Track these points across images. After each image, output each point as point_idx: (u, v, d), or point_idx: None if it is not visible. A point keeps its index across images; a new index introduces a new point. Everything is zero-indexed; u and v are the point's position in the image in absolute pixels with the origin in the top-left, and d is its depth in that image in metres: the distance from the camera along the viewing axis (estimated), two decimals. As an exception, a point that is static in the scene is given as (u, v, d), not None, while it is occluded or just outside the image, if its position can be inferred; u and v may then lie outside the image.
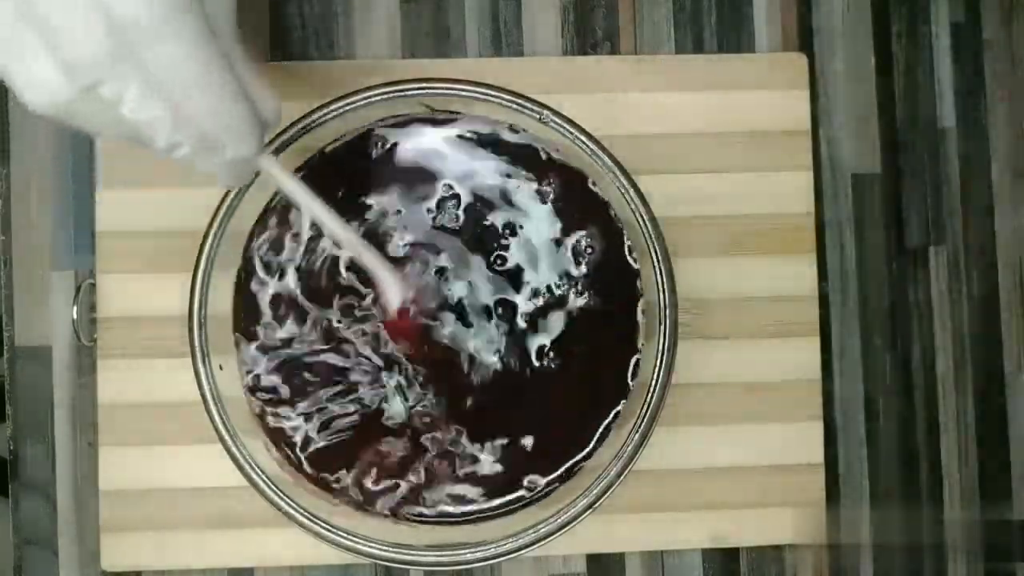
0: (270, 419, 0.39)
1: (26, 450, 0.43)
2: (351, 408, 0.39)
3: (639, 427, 0.37)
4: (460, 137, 0.39)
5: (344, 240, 0.34)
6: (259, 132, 0.29)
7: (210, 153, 0.27)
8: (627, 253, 0.39)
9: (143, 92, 0.24)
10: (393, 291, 0.36)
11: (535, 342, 0.39)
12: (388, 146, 0.39)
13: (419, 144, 0.39)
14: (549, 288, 0.39)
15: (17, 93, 0.24)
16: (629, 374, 0.39)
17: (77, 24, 0.22)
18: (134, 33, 0.23)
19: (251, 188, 0.37)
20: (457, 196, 0.39)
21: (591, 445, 0.39)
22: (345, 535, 0.36)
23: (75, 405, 0.43)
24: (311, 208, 0.33)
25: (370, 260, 0.35)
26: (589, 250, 0.39)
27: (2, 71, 0.24)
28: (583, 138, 0.37)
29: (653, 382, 0.37)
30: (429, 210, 0.39)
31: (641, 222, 0.37)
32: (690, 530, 0.43)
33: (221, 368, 0.37)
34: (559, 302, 0.39)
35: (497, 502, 0.39)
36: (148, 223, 0.42)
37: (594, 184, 0.39)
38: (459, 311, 0.38)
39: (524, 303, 0.39)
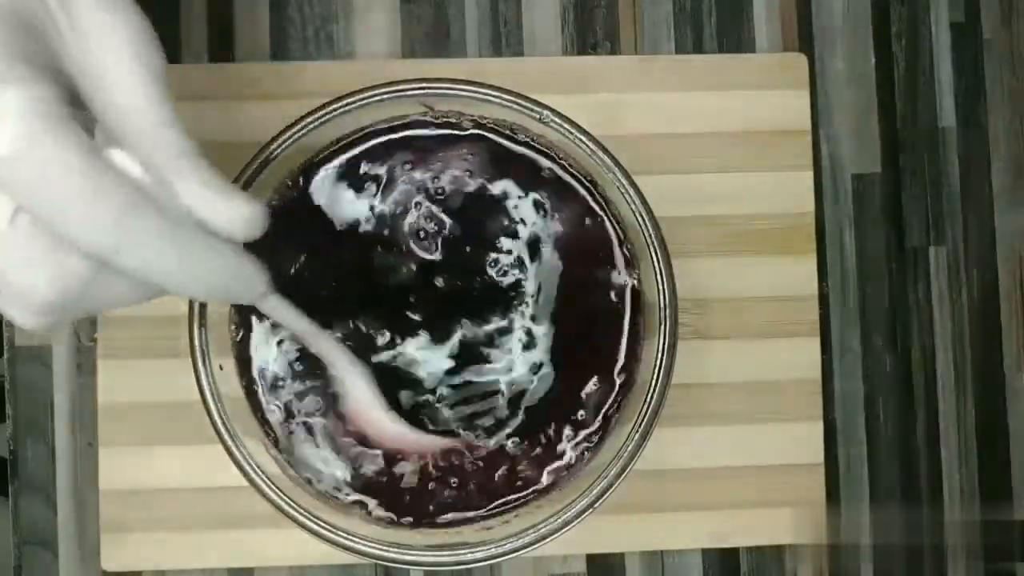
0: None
1: (26, 450, 0.43)
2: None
3: (639, 427, 0.37)
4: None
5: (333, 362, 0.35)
6: (260, 276, 0.28)
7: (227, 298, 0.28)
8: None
9: (131, 289, 0.25)
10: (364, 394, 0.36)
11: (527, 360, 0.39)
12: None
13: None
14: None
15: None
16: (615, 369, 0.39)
17: (32, 282, 0.23)
18: (101, 254, 0.23)
19: (250, 189, 0.37)
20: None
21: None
22: (345, 535, 0.36)
23: (75, 405, 0.43)
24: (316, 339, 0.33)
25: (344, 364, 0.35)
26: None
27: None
28: (583, 138, 0.37)
29: (653, 382, 0.37)
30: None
31: (641, 222, 0.37)
32: (690, 530, 0.43)
33: (221, 368, 0.37)
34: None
35: (498, 503, 0.39)
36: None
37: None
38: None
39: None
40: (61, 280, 0.23)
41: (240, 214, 0.25)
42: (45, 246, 0.22)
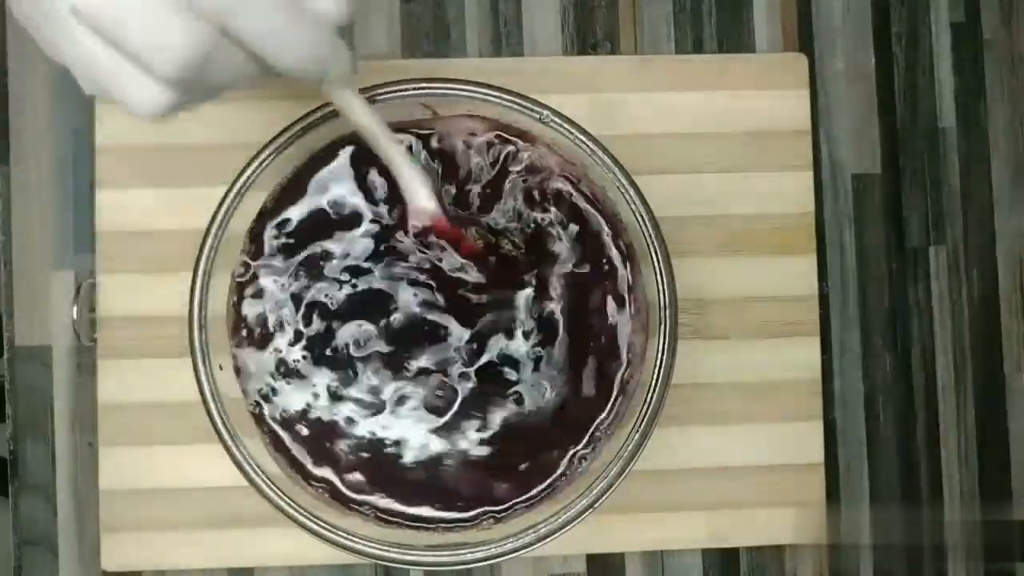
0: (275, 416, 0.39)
1: (26, 450, 0.43)
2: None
3: (639, 427, 0.37)
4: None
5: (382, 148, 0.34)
6: (351, 58, 0.30)
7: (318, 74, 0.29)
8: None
9: (243, 64, 0.26)
10: (423, 193, 0.35)
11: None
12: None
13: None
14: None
15: (131, 110, 0.26)
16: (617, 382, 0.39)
17: (160, 43, 0.24)
18: (220, 13, 0.24)
19: (250, 188, 0.37)
20: None
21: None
22: (345, 535, 0.36)
23: (75, 405, 0.43)
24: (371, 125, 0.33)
25: (404, 167, 0.35)
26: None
27: (116, 96, 0.26)
28: (583, 138, 0.37)
29: (653, 382, 0.37)
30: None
31: (641, 222, 0.37)
32: (690, 530, 0.43)
33: (221, 368, 0.37)
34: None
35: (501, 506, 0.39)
36: (148, 223, 0.42)
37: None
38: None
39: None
40: (192, 41, 0.24)
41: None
42: (177, 10, 0.24)
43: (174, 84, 0.25)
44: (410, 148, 0.38)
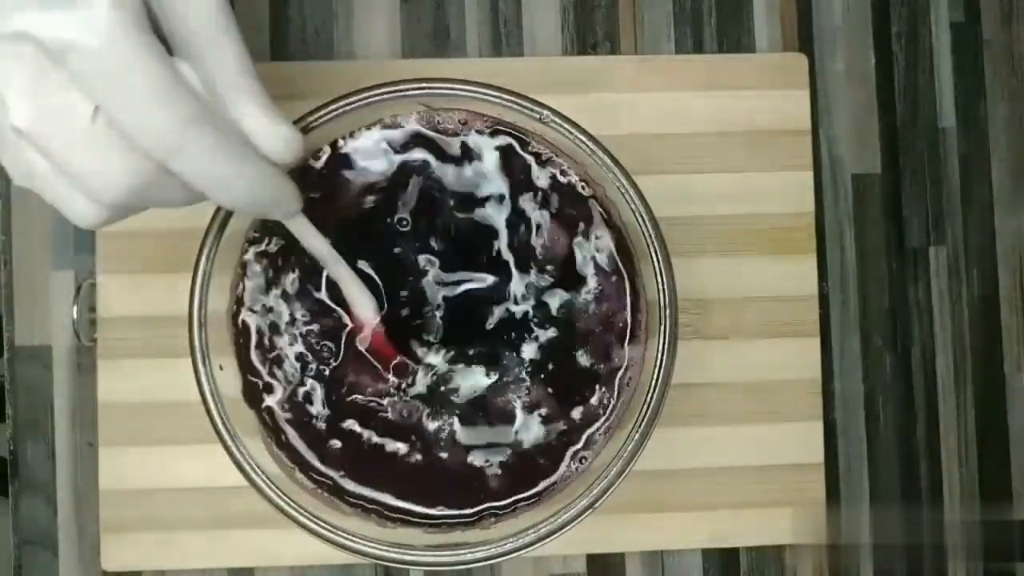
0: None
1: (26, 450, 0.43)
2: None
3: (639, 427, 0.37)
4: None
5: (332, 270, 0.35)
6: (296, 195, 0.31)
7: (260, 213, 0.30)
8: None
9: (182, 193, 0.27)
10: (366, 310, 0.37)
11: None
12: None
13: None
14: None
15: (68, 218, 0.27)
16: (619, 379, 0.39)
17: (104, 175, 0.25)
18: (161, 156, 0.25)
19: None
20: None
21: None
22: (345, 535, 0.36)
23: (75, 405, 0.43)
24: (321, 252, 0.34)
25: (352, 285, 0.36)
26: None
27: (51, 203, 0.26)
28: (583, 138, 0.37)
29: (653, 382, 0.37)
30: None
31: (641, 222, 0.37)
32: (690, 530, 0.43)
33: (221, 368, 0.37)
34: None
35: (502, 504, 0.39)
36: (148, 223, 0.42)
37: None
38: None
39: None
40: (132, 175, 0.25)
41: (285, 137, 0.27)
42: (120, 145, 0.24)
43: (112, 208, 0.26)
44: (354, 268, 0.38)
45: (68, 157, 0.24)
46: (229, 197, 0.27)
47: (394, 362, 0.38)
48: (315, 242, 0.34)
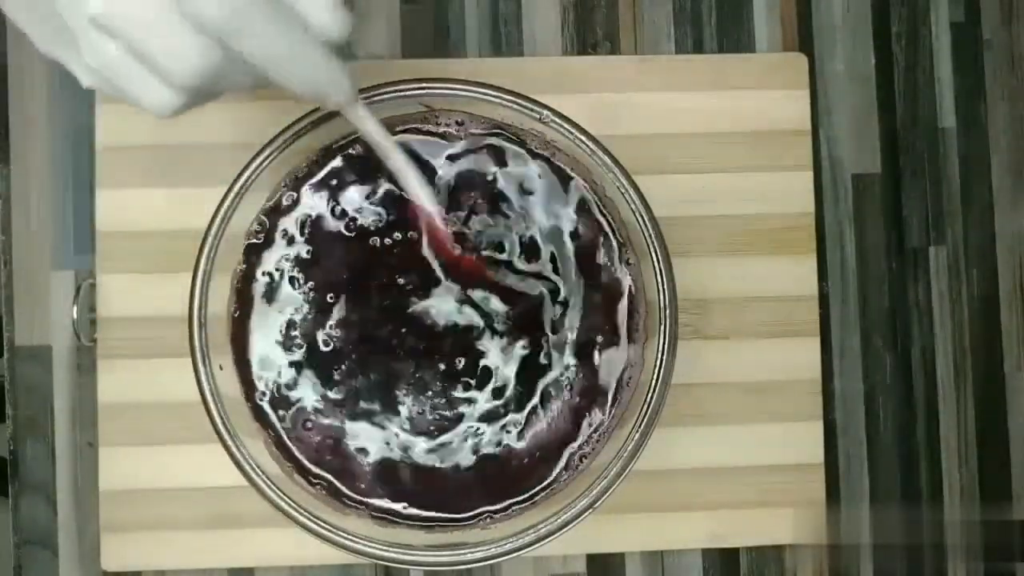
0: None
1: (26, 450, 0.43)
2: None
3: (639, 427, 0.37)
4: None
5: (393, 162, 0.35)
6: (350, 79, 0.31)
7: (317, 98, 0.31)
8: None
9: (248, 77, 0.28)
10: (426, 200, 0.36)
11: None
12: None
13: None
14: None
15: (145, 109, 0.28)
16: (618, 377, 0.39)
17: (177, 56, 0.26)
18: (225, 36, 0.26)
19: (250, 189, 0.37)
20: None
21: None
22: (345, 535, 0.36)
23: (75, 405, 0.43)
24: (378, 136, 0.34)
25: (412, 181, 0.35)
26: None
27: (129, 97, 0.28)
28: (583, 138, 0.37)
29: (653, 382, 0.37)
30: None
31: (641, 222, 0.37)
32: (690, 530, 0.43)
33: (221, 368, 0.37)
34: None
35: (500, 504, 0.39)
36: (148, 223, 0.42)
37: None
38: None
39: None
40: (202, 56, 0.26)
41: (331, 8, 0.28)
42: (191, 28, 0.26)
43: (187, 90, 0.27)
44: (411, 153, 0.38)
45: (144, 39, 0.26)
46: (288, 76, 0.28)
47: (455, 255, 0.38)
48: (374, 130, 0.34)
